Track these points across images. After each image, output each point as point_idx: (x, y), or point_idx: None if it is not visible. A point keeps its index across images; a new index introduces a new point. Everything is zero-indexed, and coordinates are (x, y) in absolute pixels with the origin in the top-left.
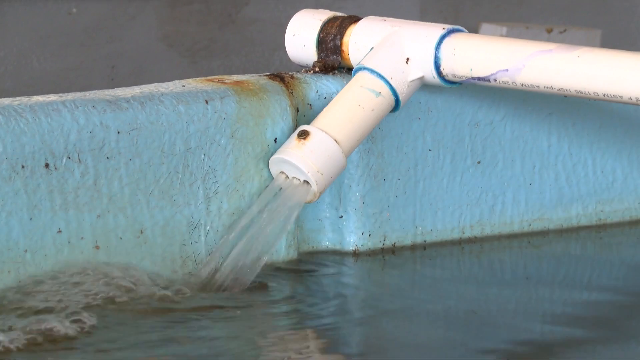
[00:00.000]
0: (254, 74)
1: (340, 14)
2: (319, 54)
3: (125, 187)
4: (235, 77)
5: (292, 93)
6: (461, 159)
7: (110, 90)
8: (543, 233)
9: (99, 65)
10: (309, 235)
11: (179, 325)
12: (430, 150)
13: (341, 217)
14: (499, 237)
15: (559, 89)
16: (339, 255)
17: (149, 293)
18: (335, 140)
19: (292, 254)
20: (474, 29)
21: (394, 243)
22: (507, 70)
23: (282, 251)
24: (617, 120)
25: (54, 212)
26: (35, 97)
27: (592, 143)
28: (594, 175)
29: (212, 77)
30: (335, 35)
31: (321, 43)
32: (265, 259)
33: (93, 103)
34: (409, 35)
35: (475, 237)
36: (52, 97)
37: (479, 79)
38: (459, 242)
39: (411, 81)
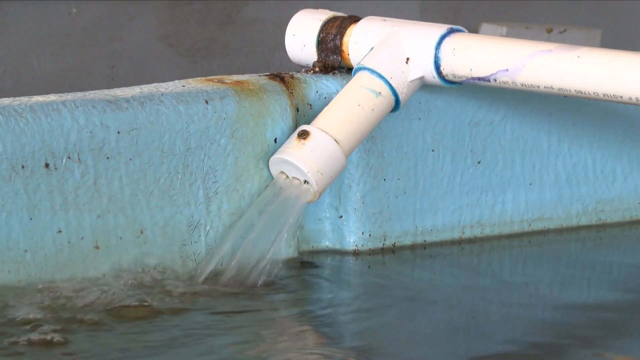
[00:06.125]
0: (254, 74)
1: (340, 14)
2: (319, 54)
3: (125, 187)
4: (235, 77)
5: (292, 93)
6: (461, 159)
7: (110, 90)
8: (543, 233)
9: (99, 65)
10: (309, 235)
11: (179, 324)
12: (430, 150)
13: (341, 217)
14: (499, 237)
15: (559, 89)
16: (339, 255)
17: (148, 293)
18: (335, 140)
19: (292, 254)
20: (474, 29)
21: (394, 243)
22: (507, 70)
23: (282, 251)
24: (617, 120)
25: (54, 212)
26: (35, 97)
27: (592, 143)
28: (594, 175)
29: (212, 77)
30: (335, 35)
31: (321, 43)
32: (270, 261)
33: (93, 103)
34: (409, 35)
35: (475, 237)
36: (52, 97)
37: (479, 79)
38: (459, 242)
39: (411, 81)
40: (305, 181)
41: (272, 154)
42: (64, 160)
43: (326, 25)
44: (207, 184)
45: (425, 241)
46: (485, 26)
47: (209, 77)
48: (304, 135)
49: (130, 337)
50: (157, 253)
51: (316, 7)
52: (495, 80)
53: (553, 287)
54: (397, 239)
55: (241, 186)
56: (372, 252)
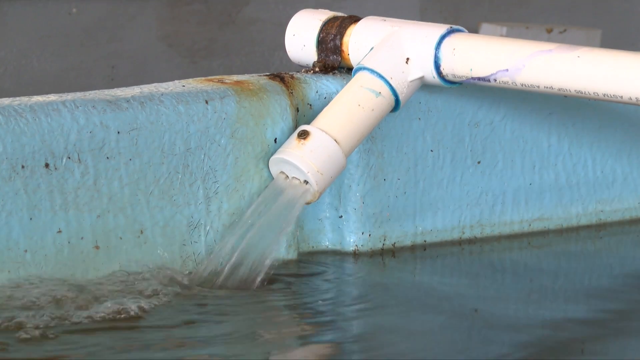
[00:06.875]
0: (254, 74)
1: (340, 14)
2: (319, 54)
3: (125, 187)
4: (235, 77)
5: (292, 93)
6: (461, 159)
7: (110, 90)
8: (543, 233)
9: (99, 65)
10: (309, 235)
11: (178, 325)
12: (430, 150)
13: (341, 217)
14: (499, 237)
15: (559, 89)
16: (339, 255)
17: (147, 293)
18: (335, 140)
19: (292, 254)
20: (474, 29)
21: (394, 243)
22: (507, 70)
23: (282, 251)
24: (617, 120)
25: (54, 212)
26: (35, 97)
27: (592, 143)
28: (594, 175)
29: (212, 77)
30: (335, 35)
31: (321, 43)
32: (270, 261)
33: (93, 103)
34: (409, 35)
35: (475, 237)
36: (52, 97)
37: (479, 79)
38: (459, 242)
39: (411, 81)
40: (305, 181)
41: (272, 154)
42: (64, 160)
43: (326, 25)
44: (207, 184)
45: (425, 241)
46: (485, 26)
47: (209, 77)
48: (304, 135)
49: (128, 337)
50: (157, 253)
51: (316, 7)
52: (495, 80)
53: (553, 287)
54: (397, 239)
55: (241, 186)
56: (372, 252)
